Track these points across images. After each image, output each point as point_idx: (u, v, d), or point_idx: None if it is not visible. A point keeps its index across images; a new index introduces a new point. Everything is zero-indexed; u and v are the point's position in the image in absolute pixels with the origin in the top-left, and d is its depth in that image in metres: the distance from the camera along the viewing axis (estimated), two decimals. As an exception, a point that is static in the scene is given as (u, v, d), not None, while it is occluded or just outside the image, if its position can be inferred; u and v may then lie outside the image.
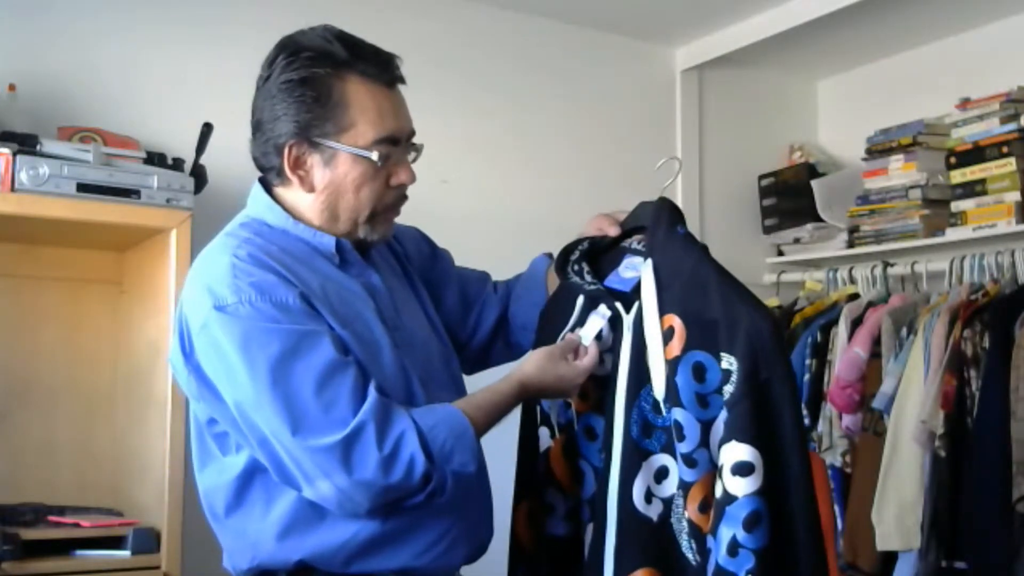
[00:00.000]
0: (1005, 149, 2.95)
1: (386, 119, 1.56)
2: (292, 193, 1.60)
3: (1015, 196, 2.92)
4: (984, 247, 2.97)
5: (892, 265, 3.20)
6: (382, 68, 1.57)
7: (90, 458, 2.67)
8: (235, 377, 1.46)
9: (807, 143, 3.81)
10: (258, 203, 1.63)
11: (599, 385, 1.67)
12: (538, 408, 1.74)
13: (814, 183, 3.54)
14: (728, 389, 1.51)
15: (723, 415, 1.51)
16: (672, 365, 1.55)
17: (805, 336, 3.05)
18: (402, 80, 1.61)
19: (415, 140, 1.64)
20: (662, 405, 1.56)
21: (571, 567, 1.68)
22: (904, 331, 2.83)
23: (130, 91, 2.76)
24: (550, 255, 1.86)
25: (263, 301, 1.46)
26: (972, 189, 3.03)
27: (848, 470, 2.85)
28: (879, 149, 3.33)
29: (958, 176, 3.06)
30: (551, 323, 1.73)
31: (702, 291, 1.56)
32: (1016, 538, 2.44)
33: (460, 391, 1.67)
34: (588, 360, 1.62)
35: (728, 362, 1.51)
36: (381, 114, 1.56)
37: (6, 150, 2.26)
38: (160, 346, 2.34)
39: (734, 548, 1.45)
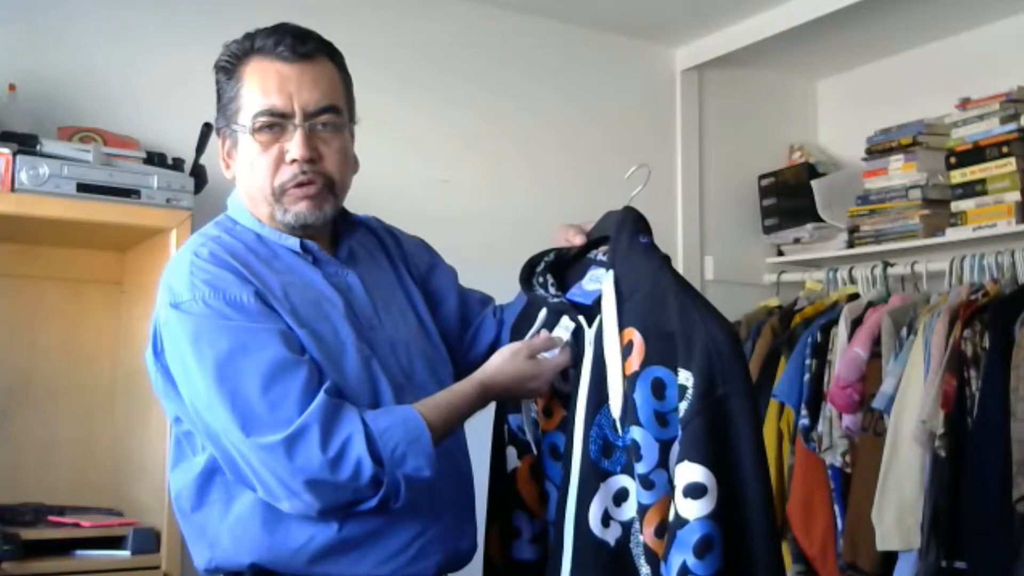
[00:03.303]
0: (1005, 149, 2.95)
1: (268, 93, 1.54)
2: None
3: (1015, 196, 2.92)
4: (984, 247, 2.97)
5: (892, 265, 3.19)
6: (278, 42, 1.55)
7: (90, 458, 2.67)
8: (188, 374, 1.47)
9: (807, 143, 3.81)
10: (232, 202, 1.66)
11: (565, 403, 1.61)
12: (506, 427, 1.68)
13: (814, 183, 3.54)
14: (683, 406, 1.42)
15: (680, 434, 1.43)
16: (631, 381, 1.48)
17: (805, 336, 3.04)
18: (308, 55, 1.56)
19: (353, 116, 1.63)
20: (619, 424, 1.49)
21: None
22: (904, 331, 2.83)
23: (130, 91, 2.76)
24: None
25: (216, 299, 1.47)
26: (972, 189, 3.03)
27: (848, 470, 2.84)
28: (879, 149, 3.33)
29: (958, 176, 3.06)
30: (520, 338, 1.65)
31: (661, 303, 1.49)
32: (1016, 538, 2.44)
33: None
34: (558, 359, 1.58)
35: (685, 377, 1.43)
36: (264, 88, 1.55)
37: (6, 150, 2.26)
38: (160, 346, 2.34)
39: None
